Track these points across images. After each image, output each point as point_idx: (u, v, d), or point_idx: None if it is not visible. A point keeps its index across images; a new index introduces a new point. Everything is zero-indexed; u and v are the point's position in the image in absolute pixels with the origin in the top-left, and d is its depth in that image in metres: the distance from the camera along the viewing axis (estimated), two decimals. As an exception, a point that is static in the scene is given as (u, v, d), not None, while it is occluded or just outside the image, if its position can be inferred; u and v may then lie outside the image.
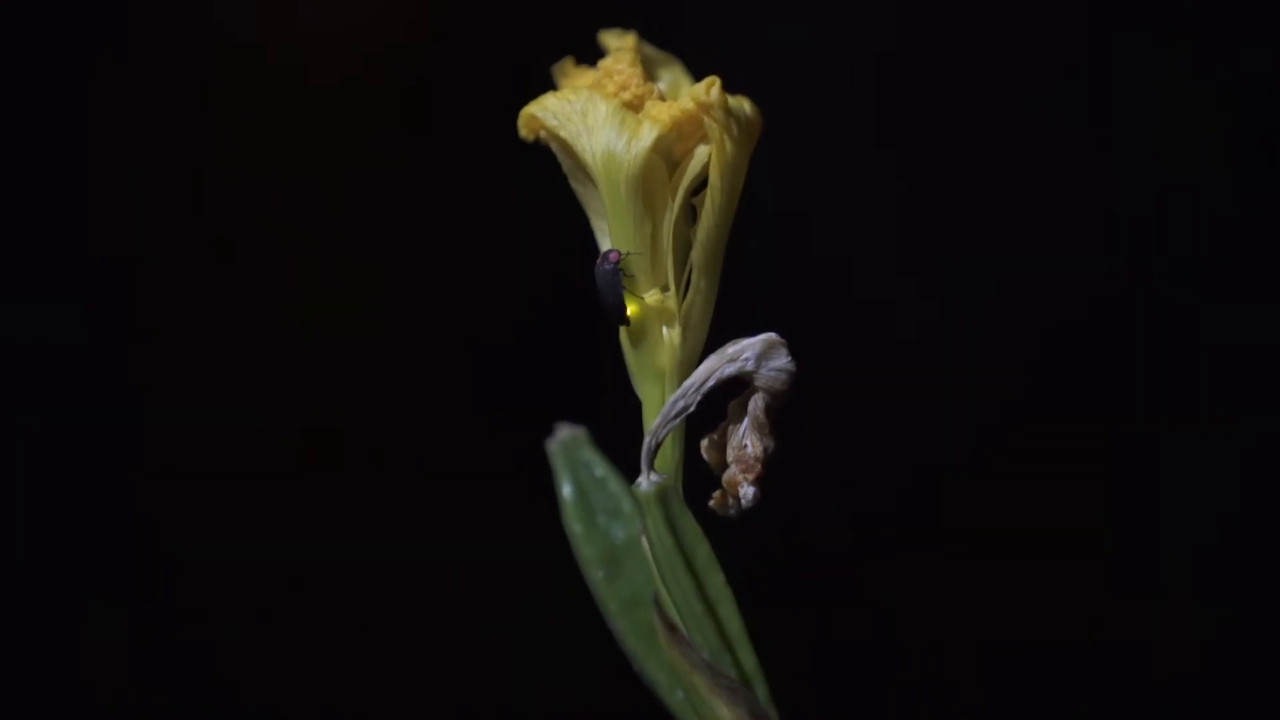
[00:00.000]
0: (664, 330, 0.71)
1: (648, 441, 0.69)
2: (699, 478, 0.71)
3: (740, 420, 0.71)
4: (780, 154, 0.74)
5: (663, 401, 0.71)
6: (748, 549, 0.82)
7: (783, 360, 0.70)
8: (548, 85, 0.73)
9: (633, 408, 0.72)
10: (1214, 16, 1.77)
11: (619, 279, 0.70)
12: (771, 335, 0.70)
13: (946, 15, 1.81)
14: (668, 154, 0.70)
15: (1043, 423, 1.79)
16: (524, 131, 0.72)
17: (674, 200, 0.71)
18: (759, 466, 0.70)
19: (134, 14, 1.76)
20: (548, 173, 0.74)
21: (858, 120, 1.82)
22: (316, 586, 1.76)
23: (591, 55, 0.74)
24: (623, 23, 0.74)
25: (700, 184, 0.71)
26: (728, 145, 0.69)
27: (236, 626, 1.73)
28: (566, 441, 0.80)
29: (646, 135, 0.69)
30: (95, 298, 1.74)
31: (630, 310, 0.71)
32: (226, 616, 1.73)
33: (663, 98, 0.72)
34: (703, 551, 0.70)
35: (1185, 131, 1.79)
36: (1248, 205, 1.77)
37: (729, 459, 0.71)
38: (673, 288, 0.71)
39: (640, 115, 0.70)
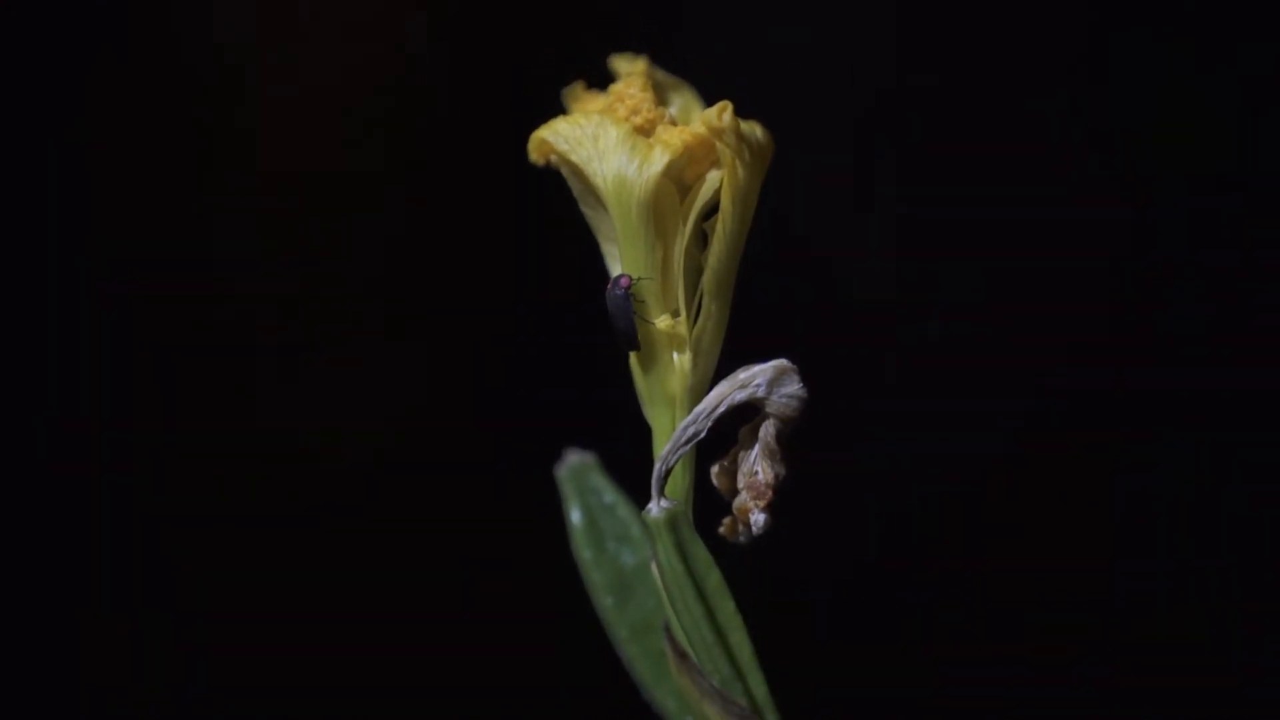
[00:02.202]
0: (675, 355, 0.71)
1: (658, 467, 0.69)
2: (709, 504, 0.71)
3: (751, 446, 0.70)
4: (790, 174, 0.73)
5: (673, 427, 0.70)
6: (758, 576, 0.82)
7: (794, 387, 0.70)
8: (552, 100, 0.73)
9: (643, 433, 0.72)
10: (1214, 18, 1.77)
11: (630, 304, 0.70)
12: (783, 362, 0.70)
13: (947, 19, 1.81)
14: (679, 179, 0.70)
15: (1056, 441, 1.78)
16: (535, 155, 0.72)
17: (685, 225, 0.70)
18: (770, 493, 0.70)
19: (132, 19, 1.77)
20: (557, 195, 0.74)
21: (868, 135, 1.82)
22: (322, 610, 1.75)
23: (599, 68, 0.74)
24: (625, 30, 0.74)
25: (712, 209, 0.70)
26: (739, 170, 0.69)
27: (235, 643, 1.73)
28: (576, 467, 0.80)
29: (658, 160, 0.69)
30: (93, 309, 1.74)
31: (640, 335, 0.70)
32: (224, 632, 1.73)
33: (674, 122, 0.72)
34: (713, 578, 0.69)
35: (1185, 134, 1.78)
36: (1247, 209, 1.77)
37: (740, 485, 0.70)
38: (684, 313, 0.71)
39: (652, 140, 0.70)
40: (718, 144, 0.69)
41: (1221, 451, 1.75)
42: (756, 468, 0.70)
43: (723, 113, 0.68)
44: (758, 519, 0.70)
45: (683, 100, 0.74)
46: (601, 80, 0.73)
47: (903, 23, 1.83)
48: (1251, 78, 1.77)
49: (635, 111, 0.71)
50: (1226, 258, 1.77)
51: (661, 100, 0.73)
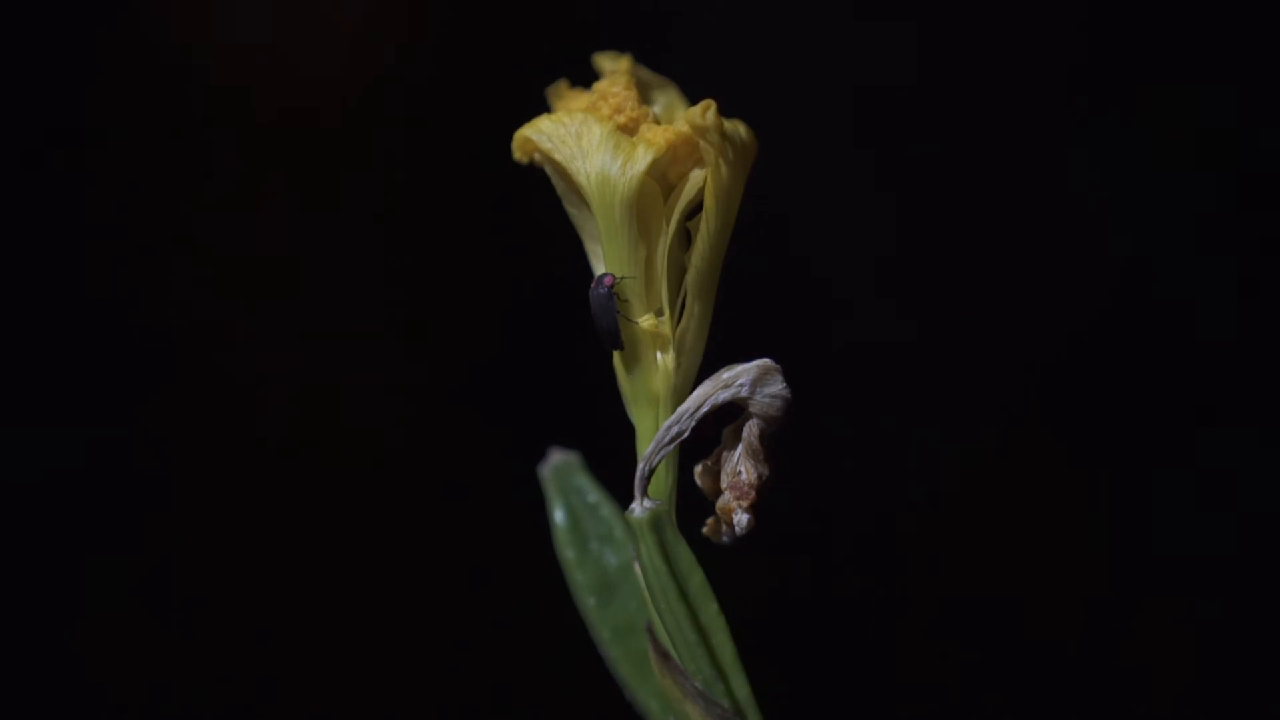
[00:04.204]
0: (658, 355, 0.71)
1: (641, 467, 0.69)
2: (693, 504, 0.71)
3: (735, 447, 0.70)
4: (773, 174, 0.73)
5: (656, 427, 0.70)
6: (741, 576, 0.82)
7: (778, 387, 0.69)
8: (537, 98, 0.73)
9: (627, 433, 0.71)
10: (1214, 21, 1.77)
11: (613, 303, 0.70)
12: (766, 361, 0.70)
13: (937, 18, 1.81)
14: (663, 177, 0.70)
15: (1040, 446, 1.78)
16: (518, 154, 0.72)
17: (669, 224, 0.70)
18: (753, 493, 0.70)
19: (132, 22, 1.77)
20: (541, 194, 0.74)
21: (850, 137, 1.82)
22: (308, 610, 1.75)
23: (583, 66, 0.74)
24: (609, 28, 0.74)
25: (695, 207, 0.70)
26: (723, 169, 0.69)
27: (224, 643, 1.73)
28: (559, 466, 0.80)
29: (641, 159, 0.69)
30: (88, 304, 1.74)
31: (624, 334, 0.70)
32: (214, 633, 1.73)
33: (658, 121, 0.71)
34: (696, 579, 0.69)
35: (1180, 143, 1.79)
36: (1245, 224, 1.77)
37: (723, 486, 0.70)
38: (667, 312, 0.70)
39: (635, 138, 0.69)
40: (701, 143, 0.69)
41: (1220, 454, 1.75)
42: (740, 468, 0.70)
43: (706, 111, 0.68)
44: (741, 519, 0.69)
45: (666, 99, 0.74)
46: (585, 78, 0.73)
47: (890, 22, 1.83)
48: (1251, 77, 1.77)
49: (619, 110, 0.71)
50: (1225, 259, 1.77)
51: (645, 99, 0.73)
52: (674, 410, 0.70)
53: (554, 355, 1.66)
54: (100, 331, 1.74)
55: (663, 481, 0.70)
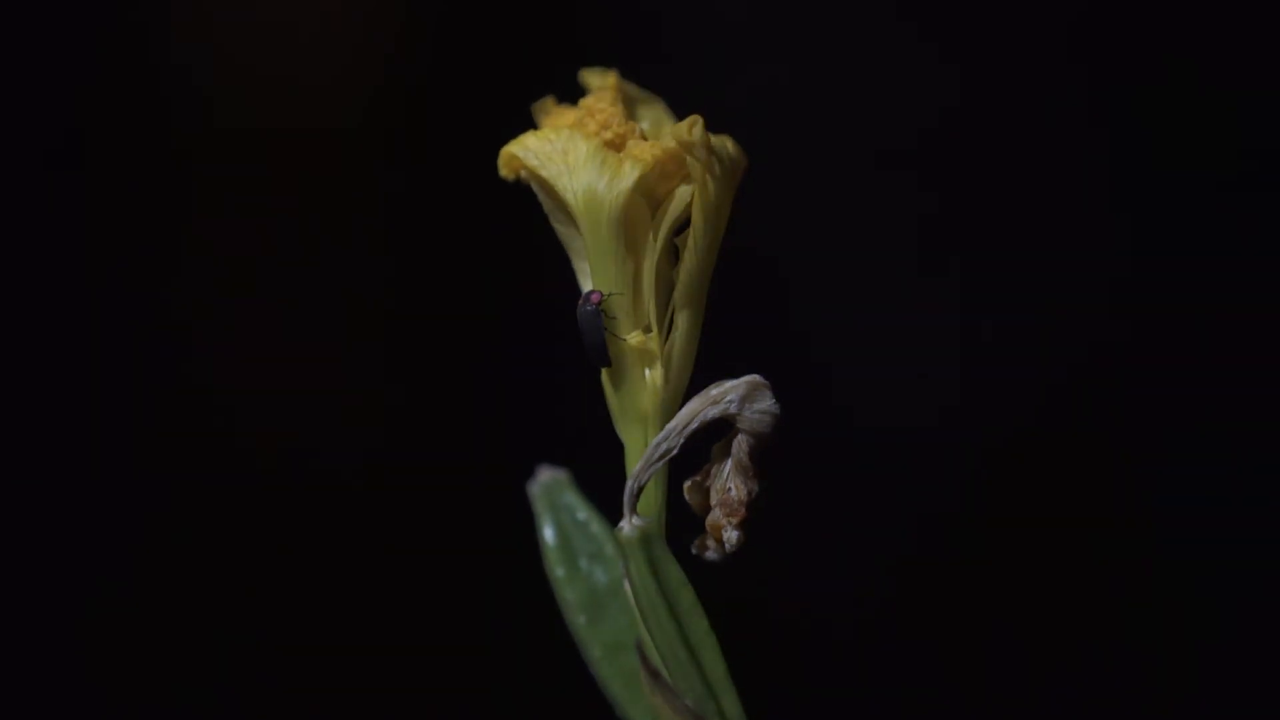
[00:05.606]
0: (646, 371, 0.70)
1: (630, 485, 0.69)
2: (683, 521, 0.71)
3: (724, 463, 0.70)
4: (764, 186, 0.73)
5: (645, 444, 0.70)
6: (732, 593, 0.81)
7: (767, 403, 0.69)
8: (523, 115, 0.72)
9: (616, 450, 0.71)
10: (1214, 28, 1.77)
11: (601, 320, 0.69)
12: (755, 377, 0.69)
13: (938, 34, 1.81)
14: (650, 193, 0.70)
15: (1035, 464, 1.78)
16: (505, 171, 0.71)
17: (656, 240, 0.70)
18: (743, 510, 0.69)
19: (131, 24, 1.77)
20: (531, 210, 0.73)
21: (847, 143, 1.82)
22: (294, 621, 1.75)
23: (570, 82, 0.73)
24: (596, 44, 0.74)
25: (683, 223, 0.70)
26: (710, 185, 0.68)
27: (208, 659, 1.73)
28: (548, 484, 0.79)
29: (628, 175, 0.68)
30: (86, 307, 1.74)
31: (611, 351, 0.70)
32: (198, 648, 1.73)
33: (644, 136, 0.71)
34: (686, 596, 0.69)
35: (1180, 143, 1.78)
36: (1245, 223, 1.77)
37: (713, 502, 0.70)
38: (655, 328, 0.70)
39: (622, 155, 0.69)
40: (688, 158, 0.68)
41: (1220, 454, 1.75)
42: (729, 484, 0.69)
43: (693, 127, 0.68)
44: (731, 536, 0.69)
45: (654, 114, 0.74)
46: (572, 95, 0.73)
47: (887, 25, 1.82)
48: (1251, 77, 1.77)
49: (606, 126, 0.70)
50: (1225, 259, 1.76)
51: (632, 115, 0.72)
52: (663, 427, 0.69)
53: (543, 372, 1.66)
54: (96, 335, 1.74)
55: (652, 499, 0.70)
